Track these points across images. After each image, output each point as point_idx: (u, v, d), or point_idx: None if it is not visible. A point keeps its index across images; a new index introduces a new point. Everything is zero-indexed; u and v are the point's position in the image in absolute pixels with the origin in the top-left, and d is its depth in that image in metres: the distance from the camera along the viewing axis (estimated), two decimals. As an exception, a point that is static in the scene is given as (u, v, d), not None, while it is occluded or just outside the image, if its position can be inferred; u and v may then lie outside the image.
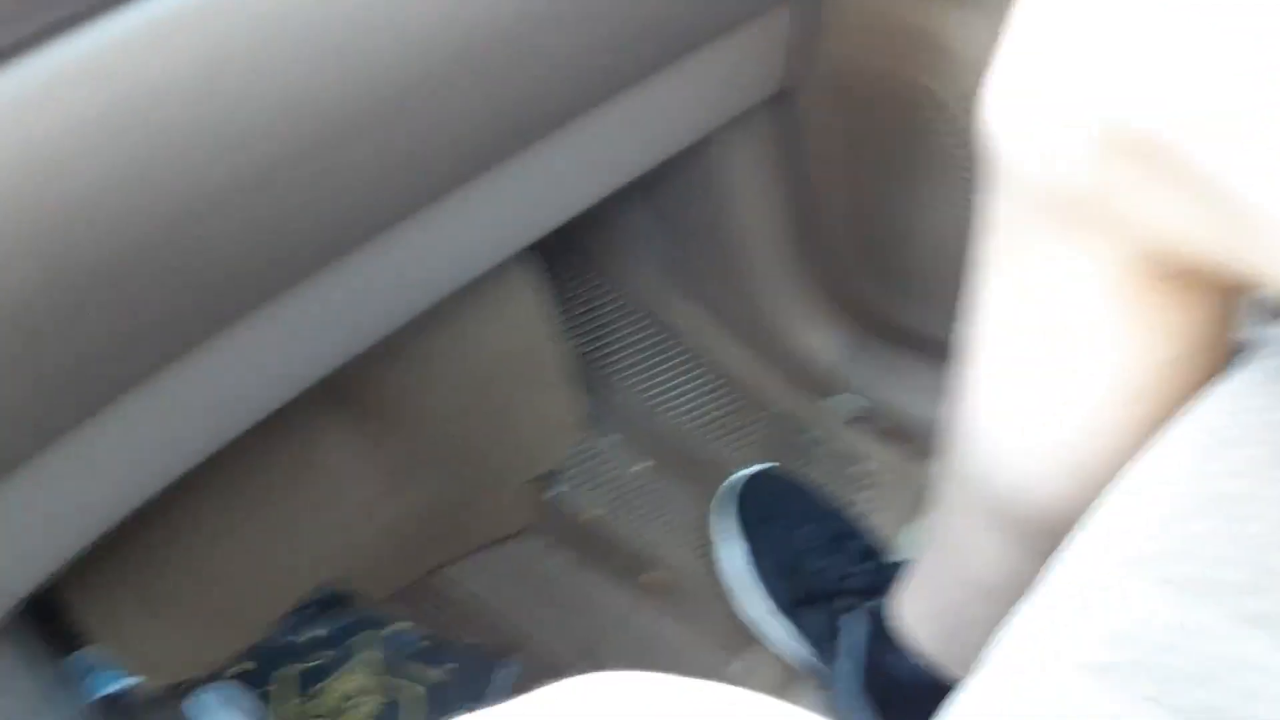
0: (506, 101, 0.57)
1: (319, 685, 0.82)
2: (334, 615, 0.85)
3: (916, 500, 0.87)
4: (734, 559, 0.83)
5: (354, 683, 0.83)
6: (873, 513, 0.87)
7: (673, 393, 0.98)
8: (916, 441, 0.90)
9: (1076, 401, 0.45)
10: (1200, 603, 0.33)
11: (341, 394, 0.81)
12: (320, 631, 0.84)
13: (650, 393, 0.98)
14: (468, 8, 0.49)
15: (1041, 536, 0.48)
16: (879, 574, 0.72)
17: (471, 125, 0.57)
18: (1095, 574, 0.36)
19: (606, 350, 1.00)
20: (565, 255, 1.02)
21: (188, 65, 0.40)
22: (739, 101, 0.78)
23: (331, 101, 0.46)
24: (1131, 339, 0.43)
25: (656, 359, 1.00)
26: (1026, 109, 0.40)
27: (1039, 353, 0.46)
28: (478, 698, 0.80)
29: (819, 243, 0.92)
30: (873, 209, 0.84)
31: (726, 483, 0.87)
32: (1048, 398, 0.46)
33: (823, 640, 0.74)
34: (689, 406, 0.98)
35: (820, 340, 0.95)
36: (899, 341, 0.92)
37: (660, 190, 0.95)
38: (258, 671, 0.80)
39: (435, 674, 0.82)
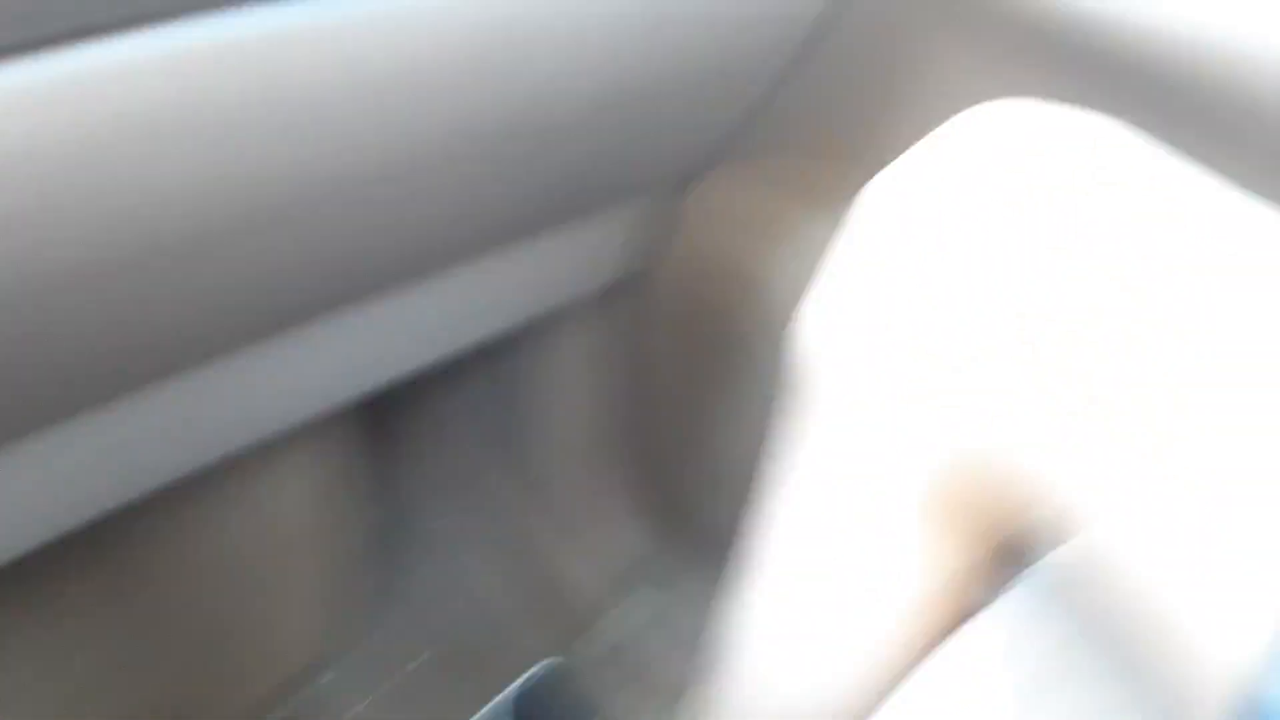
0: (347, 251, 0.57)
1: None
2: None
3: (703, 709, 0.85)
4: (509, 767, 0.79)
5: None
6: (658, 722, 0.85)
7: (467, 580, 0.95)
8: (707, 650, 0.90)
9: (857, 620, 0.47)
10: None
11: (93, 548, 0.73)
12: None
13: (444, 578, 0.95)
14: (328, 156, 0.48)
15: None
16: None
17: (306, 271, 0.55)
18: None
19: (403, 528, 0.97)
20: (378, 421, 0.99)
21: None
22: (579, 287, 0.80)
23: (150, 226, 0.44)
24: (913, 560, 0.44)
25: (454, 541, 0.97)
26: (841, 326, 0.43)
27: (826, 569, 0.47)
28: None
29: (635, 441, 0.93)
30: (688, 414, 0.86)
31: (511, 686, 0.83)
32: (830, 610, 0.47)
33: None
34: (482, 595, 0.94)
35: (624, 540, 0.95)
36: (699, 547, 0.93)
37: (485, 367, 0.95)
38: None
39: None
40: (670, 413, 0.88)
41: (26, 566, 0.68)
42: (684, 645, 0.91)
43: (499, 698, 0.82)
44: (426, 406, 1.01)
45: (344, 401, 0.68)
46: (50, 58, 0.37)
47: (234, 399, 0.61)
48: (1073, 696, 0.38)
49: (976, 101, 0.44)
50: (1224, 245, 0.36)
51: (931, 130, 0.43)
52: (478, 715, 0.80)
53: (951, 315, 0.39)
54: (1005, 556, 0.47)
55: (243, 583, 0.80)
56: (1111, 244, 0.37)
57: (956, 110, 0.44)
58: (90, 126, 0.39)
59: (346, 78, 0.46)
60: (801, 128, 0.73)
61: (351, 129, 0.48)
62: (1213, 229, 0.36)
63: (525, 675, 0.82)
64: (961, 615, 0.45)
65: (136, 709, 0.77)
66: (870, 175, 0.72)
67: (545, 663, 0.84)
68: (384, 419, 1.00)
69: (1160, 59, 0.56)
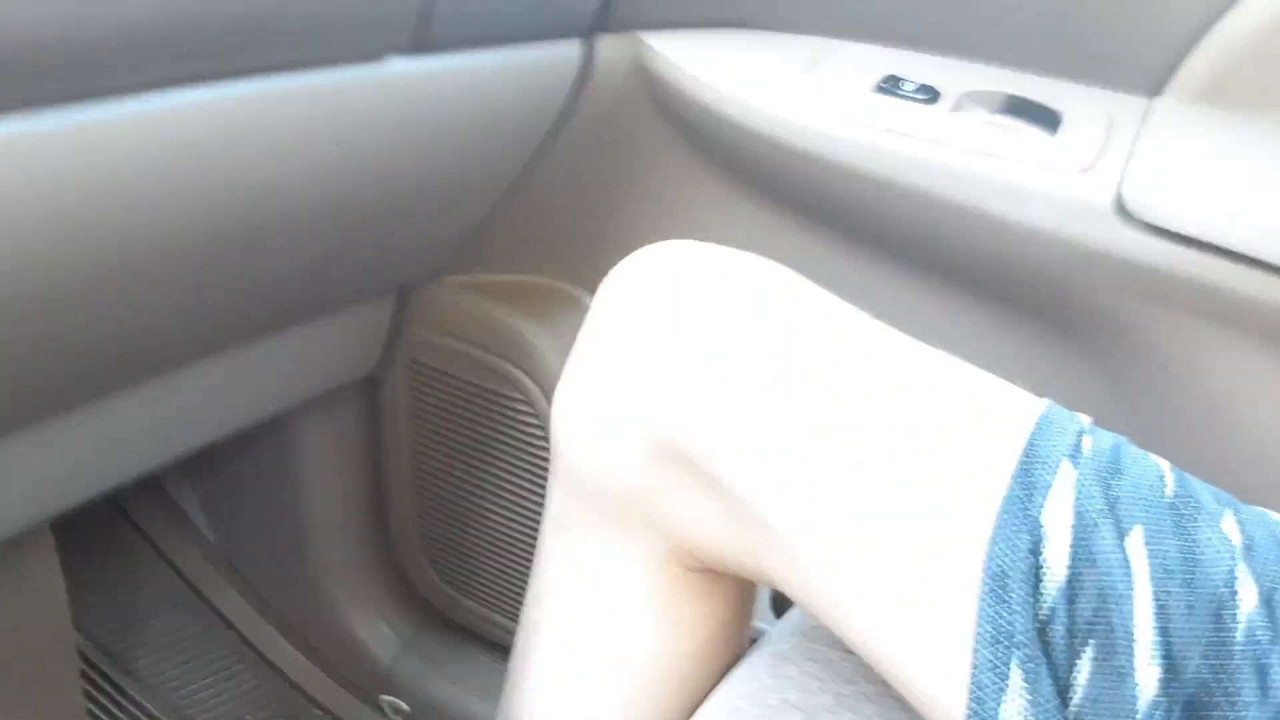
0: (77, 347, 0.53)
1: None
2: None
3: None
4: None
5: None
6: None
7: (206, 695, 0.88)
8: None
9: (618, 690, 0.48)
10: None
11: None
12: None
13: (180, 695, 0.87)
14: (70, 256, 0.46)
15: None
16: None
17: (28, 365, 0.51)
18: None
19: (133, 644, 0.89)
20: (98, 521, 0.91)
21: None
22: (331, 379, 0.78)
23: None
24: (667, 627, 0.47)
25: (192, 655, 0.90)
26: (587, 416, 0.45)
27: (584, 641, 0.48)
28: None
29: (386, 533, 0.91)
30: (443, 500, 0.86)
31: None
32: (591, 689, 0.48)
33: None
34: (225, 711, 0.87)
35: (377, 637, 0.91)
36: (458, 638, 0.91)
37: (225, 465, 0.90)
38: None
39: None
40: (425, 503, 0.86)
41: None
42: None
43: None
44: (157, 508, 0.94)
45: (73, 504, 0.63)
46: None
47: None
48: None
49: (674, 230, 0.49)
50: (882, 378, 0.40)
51: (627, 255, 0.47)
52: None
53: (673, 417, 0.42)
54: (744, 624, 0.50)
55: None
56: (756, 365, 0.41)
57: (652, 238, 0.48)
58: None
59: (68, 190, 0.44)
60: (515, 244, 0.77)
61: (71, 240, 0.46)
62: (878, 366, 0.41)
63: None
64: (726, 665, 0.48)
65: None
66: (574, 292, 0.78)
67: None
68: (110, 523, 0.92)
69: (834, 194, 0.64)
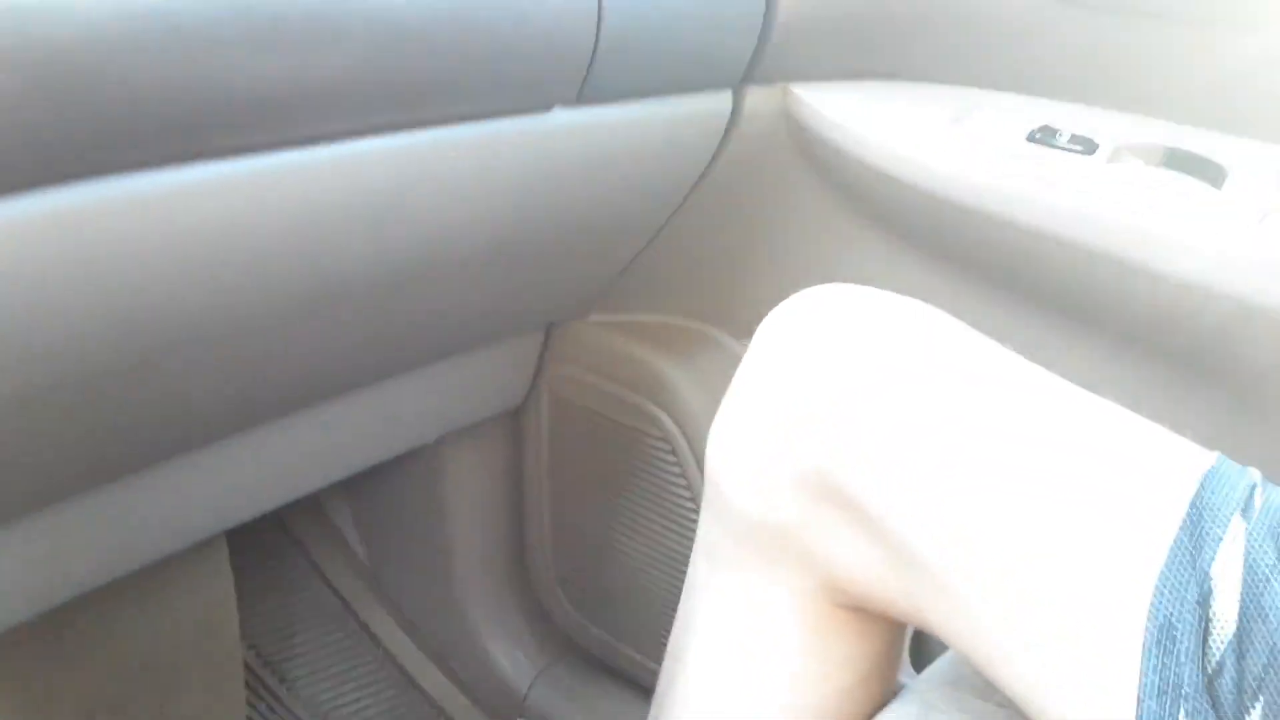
0: (255, 375, 0.57)
1: None
2: None
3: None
4: None
5: None
6: None
7: (352, 705, 0.92)
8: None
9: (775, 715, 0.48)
10: None
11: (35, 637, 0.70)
12: None
13: (329, 704, 0.91)
14: (245, 292, 0.50)
15: None
16: None
17: (214, 392, 0.56)
18: None
19: (288, 652, 0.94)
20: (266, 541, 0.97)
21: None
22: (478, 411, 0.82)
23: (70, 350, 0.45)
24: (817, 663, 0.47)
25: (340, 666, 0.94)
26: (743, 450, 0.46)
27: (733, 674, 0.49)
28: None
29: (526, 562, 0.93)
30: (581, 534, 0.88)
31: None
32: (736, 715, 0.49)
33: None
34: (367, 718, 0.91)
35: (513, 662, 0.94)
36: (591, 668, 0.93)
37: (378, 488, 0.94)
38: None
39: None
40: (564, 535, 0.89)
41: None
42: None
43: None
44: (315, 526, 0.99)
45: (245, 519, 0.68)
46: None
47: (138, 518, 0.60)
48: None
49: (815, 276, 0.50)
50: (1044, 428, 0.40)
51: (768, 298, 0.48)
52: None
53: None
54: (893, 670, 0.50)
55: (123, 706, 0.76)
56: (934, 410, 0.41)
57: (794, 283, 0.49)
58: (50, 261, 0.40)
59: (255, 231, 0.48)
60: (660, 286, 0.80)
61: (257, 278, 0.50)
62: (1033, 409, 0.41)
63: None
64: (874, 707, 0.48)
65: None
66: (714, 333, 0.79)
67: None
68: (272, 537, 0.98)
69: (984, 243, 0.64)
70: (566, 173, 0.62)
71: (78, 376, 0.46)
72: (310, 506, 0.98)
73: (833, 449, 0.43)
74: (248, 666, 0.84)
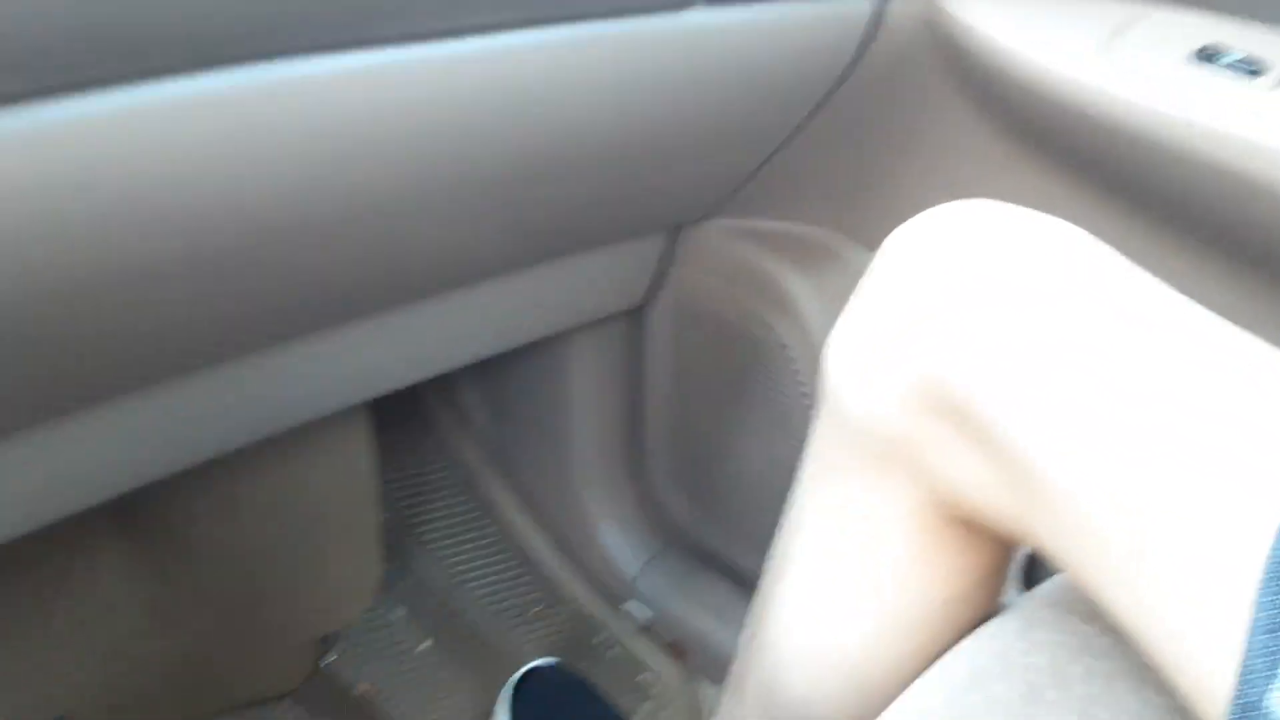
0: (395, 258, 0.61)
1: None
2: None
3: (689, 715, 0.89)
4: (504, 753, 0.82)
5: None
6: (649, 721, 0.88)
7: (475, 572, 0.98)
8: (698, 658, 0.93)
9: (865, 625, 0.50)
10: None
11: (131, 514, 0.77)
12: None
13: (453, 569, 0.98)
14: (382, 182, 0.53)
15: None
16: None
17: (357, 271, 0.59)
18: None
19: (418, 518, 1.00)
20: (402, 415, 1.02)
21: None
22: (602, 307, 0.84)
23: (221, 224, 0.48)
24: (920, 573, 0.48)
25: (465, 535, 1.00)
26: (861, 359, 0.46)
27: (838, 576, 0.50)
28: None
29: (641, 455, 0.97)
30: (696, 432, 0.90)
31: (512, 677, 0.87)
32: (840, 619, 0.51)
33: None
34: (488, 589, 0.98)
35: (625, 547, 0.98)
36: (698, 560, 0.96)
37: (506, 374, 0.98)
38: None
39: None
40: (680, 432, 0.91)
41: (71, 531, 0.71)
42: (673, 655, 0.94)
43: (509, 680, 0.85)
44: (445, 407, 1.04)
45: (384, 390, 0.72)
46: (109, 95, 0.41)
47: (283, 385, 0.65)
48: (1064, 702, 0.42)
49: (953, 192, 0.49)
50: (1179, 352, 0.39)
51: (902, 211, 0.48)
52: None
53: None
54: (1010, 571, 0.51)
55: (268, 555, 0.83)
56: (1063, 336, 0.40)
57: (930, 198, 0.49)
58: (162, 154, 0.43)
59: (402, 119, 0.50)
60: (787, 192, 0.79)
61: (398, 164, 0.53)
62: (1169, 336, 0.39)
63: (520, 672, 0.86)
64: (974, 621, 0.49)
65: (162, 667, 0.80)
66: (842, 244, 0.78)
67: (540, 661, 0.87)
68: (406, 414, 1.03)
69: (1133, 161, 0.62)
70: (700, 73, 0.62)
71: (236, 247, 0.50)
72: (444, 387, 1.03)
73: (954, 358, 0.42)
74: (384, 527, 0.90)
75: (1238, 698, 0.34)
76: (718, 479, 0.90)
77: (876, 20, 0.67)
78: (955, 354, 0.43)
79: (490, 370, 0.99)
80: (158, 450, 0.62)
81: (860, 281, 0.48)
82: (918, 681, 0.45)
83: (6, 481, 0.54)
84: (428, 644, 0.93)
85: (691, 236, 0.83)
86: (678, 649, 0.95)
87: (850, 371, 0.47)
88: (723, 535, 0.92)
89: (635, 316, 0.89)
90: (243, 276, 0.52)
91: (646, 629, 0.96)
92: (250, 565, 0.83)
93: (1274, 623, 0.34)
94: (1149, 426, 0.38)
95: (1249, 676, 0.34)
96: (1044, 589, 0.48)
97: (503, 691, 0.86)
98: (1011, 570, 0.52)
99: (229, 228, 0.48)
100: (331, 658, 0.89)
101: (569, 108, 0.58)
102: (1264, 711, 0.34)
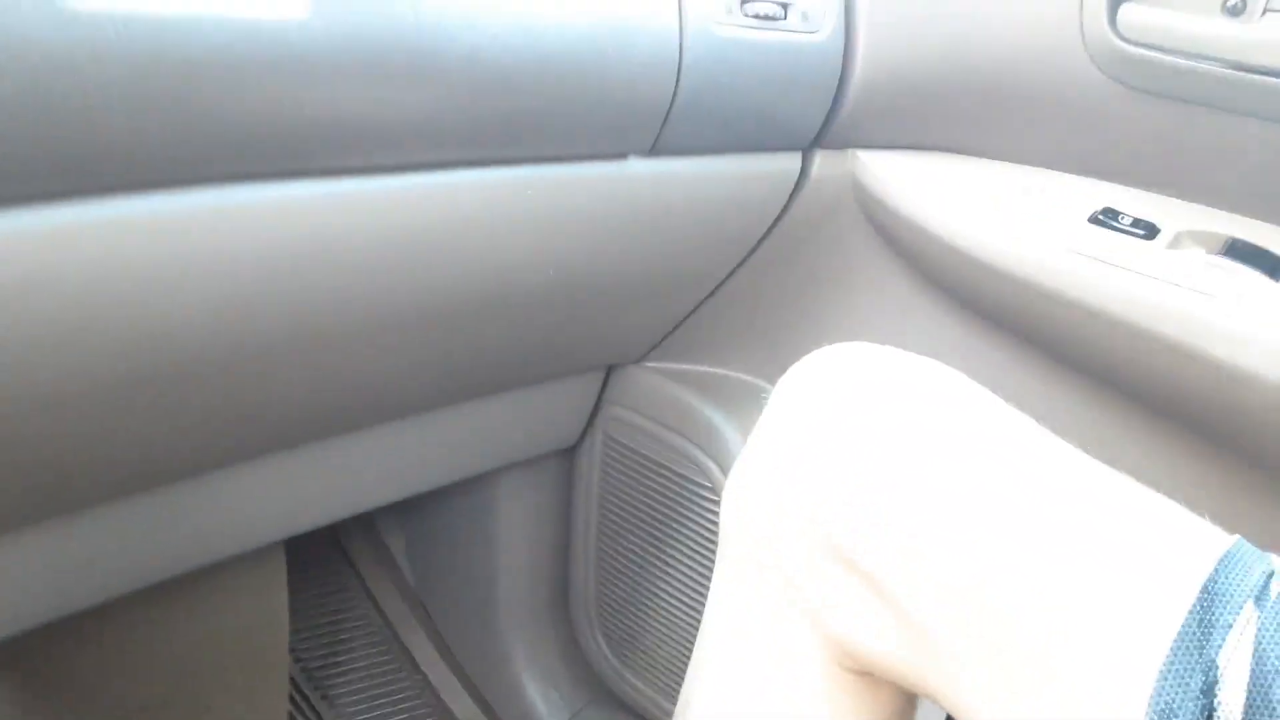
0: (326, 389, 0.60)
1: None
2: None
3: None
4: None
5: None
6: None
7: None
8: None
9: None
10: None
11: (24, 656, 0.72)
12: None
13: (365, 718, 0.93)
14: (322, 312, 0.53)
15: None
16: None
17: (284, 402, 0.59)
18: None
19: (332, 666, 0.95)
20: (320, 549, 0.99)
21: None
22: (536, 445, 0.84)
23: (147, 347, 0.48)
24: (823, 717, 0.46)
25: (381, 685, 0.96)
26: (755, 505, 0.46)
27: (739, 716, 0.48)
28: None
29: (565, 599, 0.95)
30: (622, 573, 0.89)
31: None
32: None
33: None
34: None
35: (545, 700, 0.94)
36: (621, 716, 0.93)
37: (433, 513, 0.97)
38: None
39: None
40: (605, 578, 0.90)
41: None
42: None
43: None
44: (370, 547, 1.02)
45: (305, 529, 0.70)
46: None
47: (198, 519, 0.63)
48: None
49: (865, 335, 0.51)
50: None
51: (815, 354, 0.49)
52: None
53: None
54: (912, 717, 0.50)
55: (164, 707, 0.78)
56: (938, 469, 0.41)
57: (842, 340, 0.50)
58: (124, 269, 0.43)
59: (339, 249, 0.51)
60: (716, 336, 0.82)
61: (334, 293, 0.53)
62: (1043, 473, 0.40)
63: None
64: None
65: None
66: (762, 386, 0.80)
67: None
68: (328, 552, 1.00)
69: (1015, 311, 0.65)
70: (637, 220, 0.65)
71: (161, 372, 0.49)
72: (365, 526, 1.01)
73: (839, 510, 0.43)
74: (291, 679, 0.85)
75: None
76: (645, 626, 0.88)
77: (804, 175, 0.71)
78: (839, 505, 0.43)
79: (415, 511, 0.98)
80: (45, 590, 0.59)
81: (755, 425, 0.49)
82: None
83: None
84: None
85: (624, 377, 0.84)
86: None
87: (745, 516, 0.47)
88: (650, 688, 0.89)
89: (565, 456, 0.89)
90: (164, 403, 0.52)
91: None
92: (145, 713, 0.78)
93: None
94: (1022, 577, 0.38)
95: None
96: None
97: None
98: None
99: (155, 351, 0.48)
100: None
101: (510, 248, 0.59)
102: None
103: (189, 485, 0.60)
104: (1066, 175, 0.69)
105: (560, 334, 0.72)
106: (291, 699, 0.87)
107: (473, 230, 0.56)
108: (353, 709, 0.93)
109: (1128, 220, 0.64)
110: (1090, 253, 0.62)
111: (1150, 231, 0.63)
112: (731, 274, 0.76)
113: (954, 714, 0.41)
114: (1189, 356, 0.58)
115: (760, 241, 0.74)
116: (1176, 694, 0.34)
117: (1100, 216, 0.64)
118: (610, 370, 0.84)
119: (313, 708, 0.92)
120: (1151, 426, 0.64)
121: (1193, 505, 0.40)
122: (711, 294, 0.77)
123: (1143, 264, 0.61)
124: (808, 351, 0.50)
